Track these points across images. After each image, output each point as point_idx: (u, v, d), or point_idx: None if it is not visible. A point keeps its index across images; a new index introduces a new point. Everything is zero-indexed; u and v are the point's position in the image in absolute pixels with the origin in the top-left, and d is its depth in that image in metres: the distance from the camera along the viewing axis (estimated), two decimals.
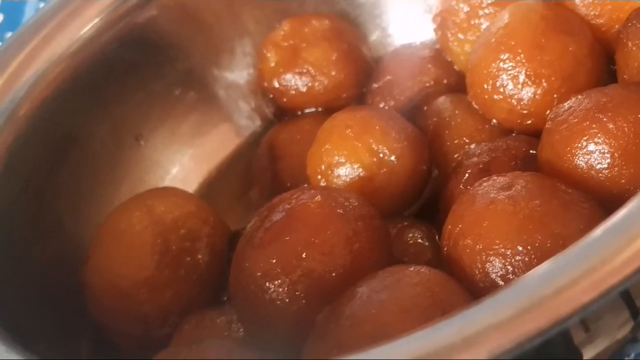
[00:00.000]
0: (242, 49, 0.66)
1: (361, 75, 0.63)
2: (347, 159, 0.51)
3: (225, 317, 0.49)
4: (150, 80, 0.63)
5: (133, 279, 0.51)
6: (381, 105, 0.61)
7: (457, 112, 0.55)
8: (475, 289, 0.42)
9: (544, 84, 0.51)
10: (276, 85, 0.63)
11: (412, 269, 0.41)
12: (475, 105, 0.54)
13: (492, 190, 0.44)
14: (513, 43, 0.51)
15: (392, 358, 0.34)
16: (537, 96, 0.51)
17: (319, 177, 0.52)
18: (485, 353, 0.33)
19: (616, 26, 0.52)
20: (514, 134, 0.53)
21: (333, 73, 0.62)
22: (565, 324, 0.33)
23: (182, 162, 0.65)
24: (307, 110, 0.64)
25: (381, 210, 0.47)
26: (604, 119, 0.45)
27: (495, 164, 0.49)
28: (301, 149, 0.56)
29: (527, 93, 0.51)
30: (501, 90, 0.52)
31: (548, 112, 0.49)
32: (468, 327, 0.33)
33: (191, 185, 0.64)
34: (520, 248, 0.41)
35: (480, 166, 0.50)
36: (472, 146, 0.53)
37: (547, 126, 0.48)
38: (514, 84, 0.51)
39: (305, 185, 0.53)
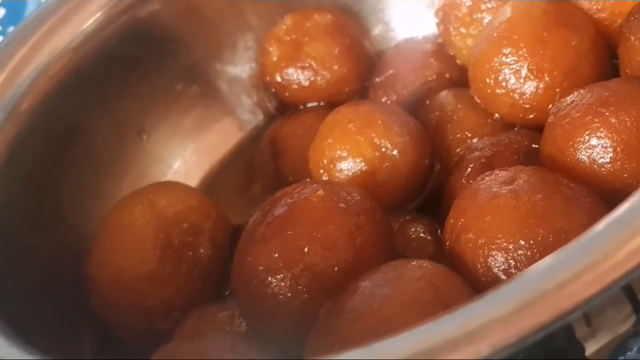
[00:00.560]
0: (245, 43, 0.66)
1: (363, 69, 0.63)
2: (350, 153, 0.51)
3: (228, 312, 0.49)
4: (153, 75, 0.63)
5: (135, 272, 0.51)
6: (383, 100, 0.61)
7: (459, 106, 0.55)
8: (477, 284, 0.42)
9: (547, 78, 0.50)
10: (278, 79, 0.63)
11: (414, 263, 0.41)
12: (477, 100, 0.54)
13: (494, 185, 0.44)
14: (515, 37, 0.51)
15: (395, 352, 0.34)
16: (539, 90, 0.51)
17: (322, 171, 0.52)
18: (488, 347, 0.33)
19: (618, 20, 0.52)
20: (516, 128, 0.53)
21: (335, 67, 0.62)
22: (567, 318, 0.33)
23: (185, 157, 0.65)
24: (309, 105, 0.64)
25: (383, 204, 0.47)
26: (607, 113, 0.45)
27: (498, 158, 0.49)
28: (303, 143, 0.56)
29: (530, 87, 0.51)
30: (503, 84, 0.52)
31: (550, 106, 0.49)
32: (470, 322, 0.33)
33: (193, 179, 0.64)
34: (523, 242, 0.41)
35: (483, 160, 0.50)
36: (475, 140, 0.53)
37: (549, 120, 0.48)
38: (517, 78, 0.51)
39: (308, 180, 0.53)
